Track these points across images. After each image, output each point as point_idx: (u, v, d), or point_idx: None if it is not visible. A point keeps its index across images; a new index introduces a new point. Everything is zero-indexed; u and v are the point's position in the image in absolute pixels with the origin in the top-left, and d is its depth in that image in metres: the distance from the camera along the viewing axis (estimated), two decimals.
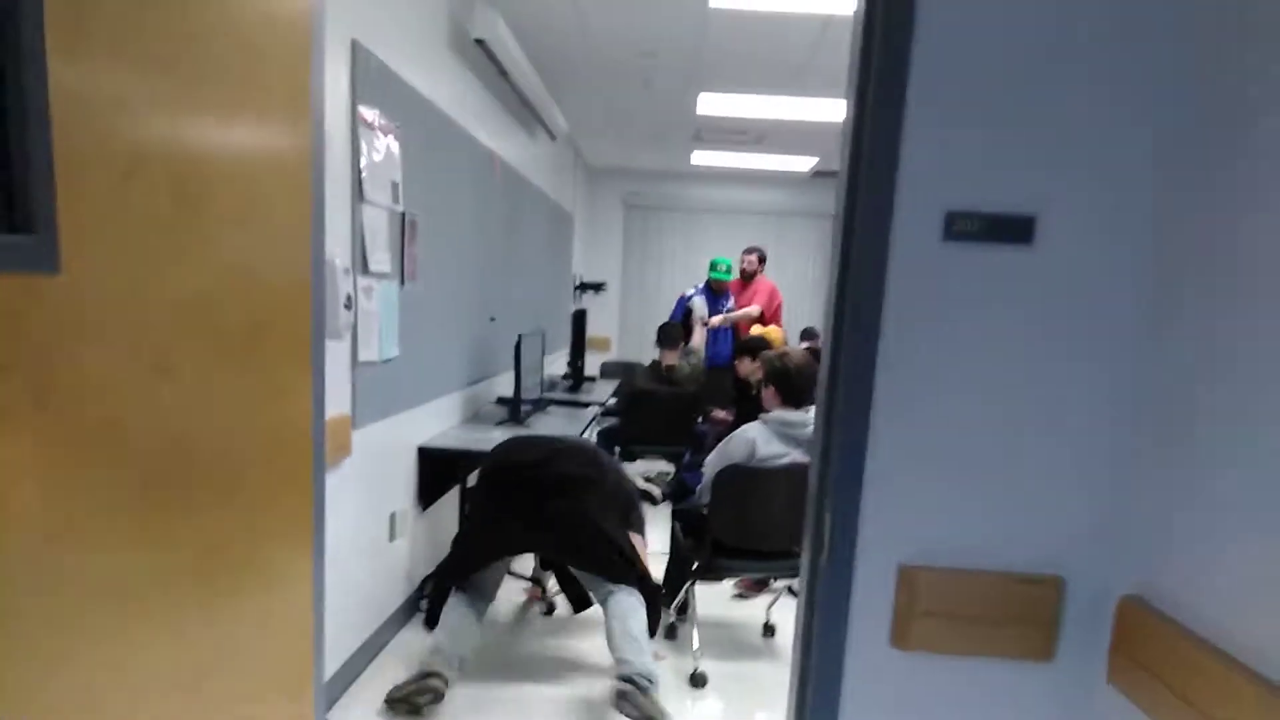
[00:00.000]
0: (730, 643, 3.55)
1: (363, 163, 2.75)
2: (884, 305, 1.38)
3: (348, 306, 2.61)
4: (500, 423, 4.19)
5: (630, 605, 2.83)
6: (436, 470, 3.74)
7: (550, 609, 3.72)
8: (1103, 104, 1.33)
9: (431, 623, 2.93)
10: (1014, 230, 1.36)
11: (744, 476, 3.18)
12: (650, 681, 2.66)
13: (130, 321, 1.08)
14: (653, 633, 2.88)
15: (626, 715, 2.62)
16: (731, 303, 6.44)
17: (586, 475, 2.99)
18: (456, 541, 3.09)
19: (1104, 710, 1.41)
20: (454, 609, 2.87)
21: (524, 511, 2.91)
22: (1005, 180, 1.36)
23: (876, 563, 1.45)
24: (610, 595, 2.87)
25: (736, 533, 3.21)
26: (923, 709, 1.48)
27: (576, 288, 8.08)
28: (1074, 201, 1.36)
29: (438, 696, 2.71)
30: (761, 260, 6.52)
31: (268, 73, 1.37)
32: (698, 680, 3.14)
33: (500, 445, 3.20)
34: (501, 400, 4.67)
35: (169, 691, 1.22)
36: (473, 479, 3.32)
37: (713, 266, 6.51)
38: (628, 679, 2.64)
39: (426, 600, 3.17)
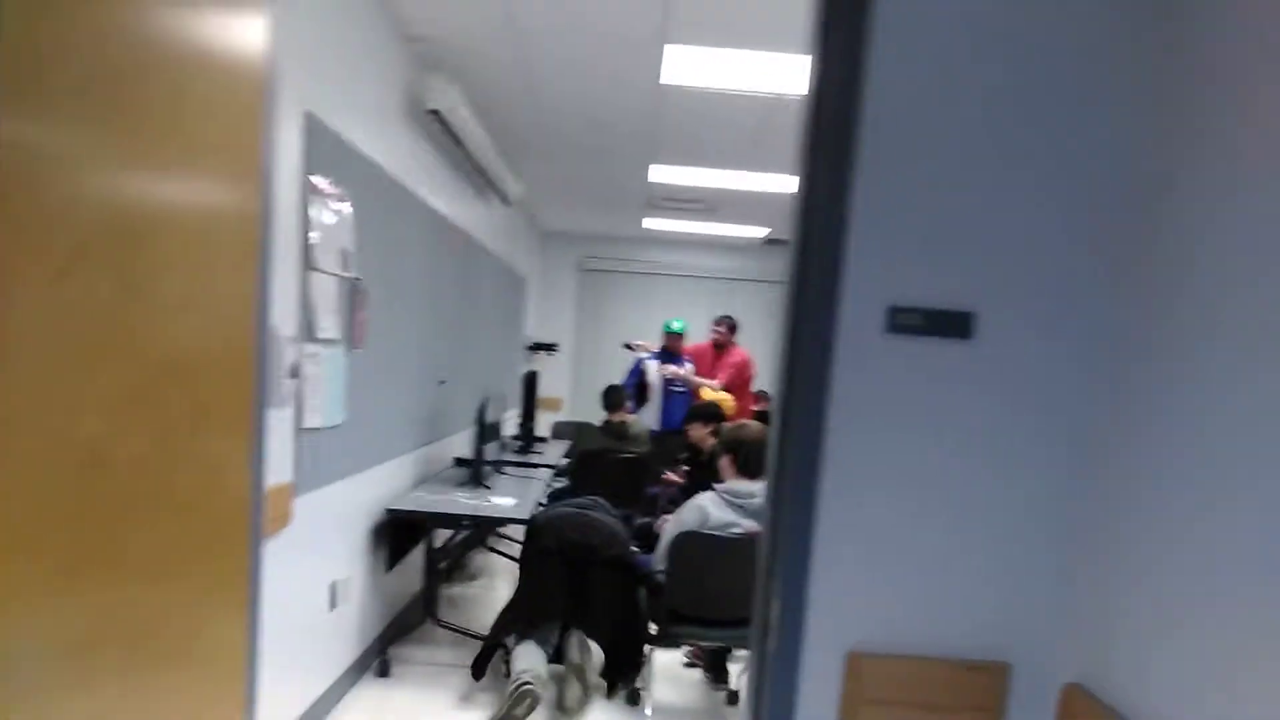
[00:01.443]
0: (682, 710, 3.51)
1: (312, 231, 2.76)
2: (829, 393, 1.41)
3: (293, 375, 2.60)
4: (461, 484, 4.18)
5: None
6: (401, 531, 3.79)
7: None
8: (1042, 205, 1.39)
9: (478, 675, 3.52)
10: (954, 325, 1.41)
11: (699, 543, 3.21)
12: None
13: (62, 416, 1.07)
14: (610, 694, 3.37)
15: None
16: (689, 367, 6.49)
17: (620, 559, 3.51)
18: (519, 600, 3.60)
19: None
20: (526, 650, 3.31)
21: (577, 593, 3.48)
22: (946, 277, 1.40)
23: (824, 649, 1.45)
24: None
25: (692, 600, 3.22)
26: None
27: (529, 348, 8.10)
28: (1011, 299, 1.41)
29: (535, 701, 3.10)
30: (732, 329, 6.41)
31: (217, 139, 1.38)
32: None
33: (555, 517, 3.61)
34: (460, 461, 4.64)
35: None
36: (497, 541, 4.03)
37: (665, 327, 6.59)
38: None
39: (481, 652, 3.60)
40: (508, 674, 3.27)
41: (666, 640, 3.35)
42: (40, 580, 1.07)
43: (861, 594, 1.44)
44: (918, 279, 1.41)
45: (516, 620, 3.51)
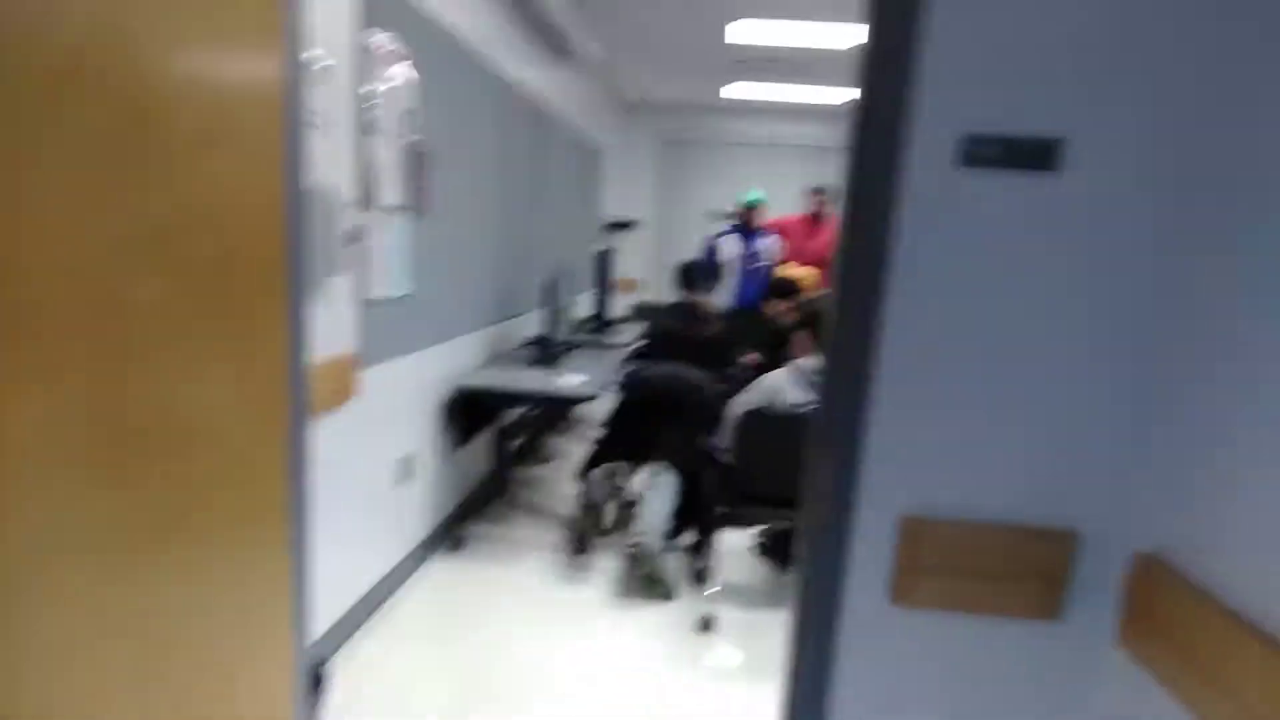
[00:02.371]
0: (746, 593, 3.48)
1: (371, 91, 2.60)
2: (892, 237, 1.24)
3: (352, 241, 2.49)
4: (532, 363, 4.12)
5: (668, 486, 3.53)
6: (471, 409, 3.75)
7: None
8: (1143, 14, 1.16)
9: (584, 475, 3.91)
10: (1038, 155, 1.20)
11: (766, 422, 3.08)
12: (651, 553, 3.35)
13: (68, 251, 0.97)
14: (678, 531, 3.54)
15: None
16: (772, 241, 6.16)
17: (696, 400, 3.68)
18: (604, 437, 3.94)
19: (1112, 675, 1.31)
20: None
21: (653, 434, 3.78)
22: (1031, 99, 1.19)
23: (877, 514, 1.34)
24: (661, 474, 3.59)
25: (757, 480, 3.12)
26: (920, 667, 1.39)
27: (605, 227, 7.90)
28: (1103, 127, 1.19)
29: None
30: (829, 199, 5.97)
31: None
32: (706, 625, 3.09)
33: (641, 377, 3.85)
34: (531, 341, 4.58)
35: (130, 642, 1.16)
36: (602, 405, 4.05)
37: (739, 201, 6.23)
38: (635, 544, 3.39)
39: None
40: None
41: (733, 520, 3.27)
42: (64, 448, 1.00)
43: (920, 454, 1.32)
44: (998, 102, 1.19)
45: (596, 460, 3.90)
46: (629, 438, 3.86)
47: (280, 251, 1.42)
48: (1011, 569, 1.34)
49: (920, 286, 1.26)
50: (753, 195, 6.04)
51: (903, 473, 1.33)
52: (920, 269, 1.25)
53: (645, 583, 3.39)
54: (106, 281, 1.04)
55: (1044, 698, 1.38)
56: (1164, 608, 1.18)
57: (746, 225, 5.99)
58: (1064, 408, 1.29)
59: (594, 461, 3.90)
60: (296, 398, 1.52)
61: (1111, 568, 1.30)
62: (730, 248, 5.97)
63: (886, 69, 1.20)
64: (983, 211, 1.23)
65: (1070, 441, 1.30)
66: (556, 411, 5.56)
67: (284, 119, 1.41)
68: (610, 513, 4.00)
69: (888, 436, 1.32)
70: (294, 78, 1.44)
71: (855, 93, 1.27)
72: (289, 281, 1.45)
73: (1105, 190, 1.21)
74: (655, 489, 3.55)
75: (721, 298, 5.66)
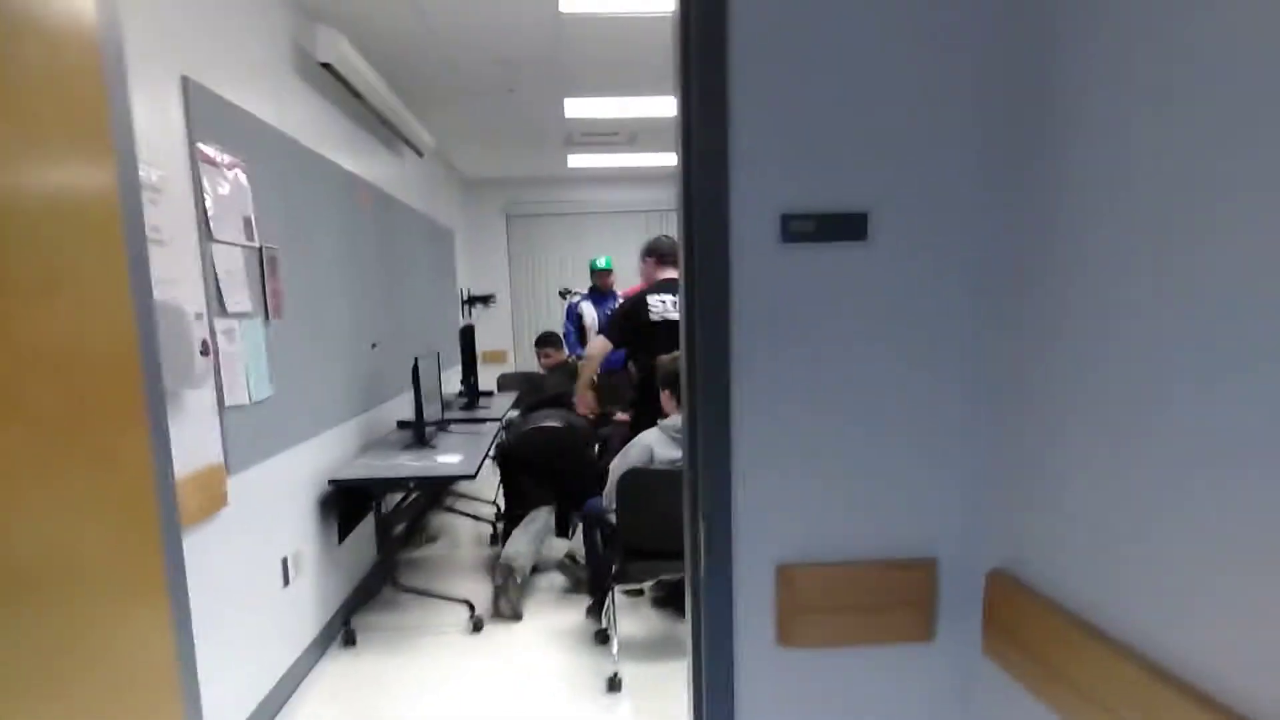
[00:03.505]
0: (647, 648, 3.57)
1: (208, 202, 2.64)
2: (731, 310, 1.39)
3: (204, 353, 2.50)
4: (407, 447, 4.12)
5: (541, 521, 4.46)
6: (350, 500, 3.76)
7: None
8: (931, 97, 1.36)
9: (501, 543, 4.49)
10: (848, 227, 1.38)
11: (644, 479, 3.22)
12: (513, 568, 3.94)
13: None
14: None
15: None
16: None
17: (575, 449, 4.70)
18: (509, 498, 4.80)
19: (981, 682, 1.46)
20: (513, 539, 4.21)
21: (550, 480, 4.69)
22: (837, 178, 1.37)
23: (754, 564, 1.46)
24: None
25: (644, 535, 3.25)
26: (813, 700, 1.51)
27: (465, 302, 7.97)
28: (904, 195, 1.38)
29: (511, 572, 3.89)
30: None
31: (52, 112, 1.27)
32: (614, 684, 3.15)
33: (522, 435, 4.74)
34: (402, 424, 4.57)
35: None
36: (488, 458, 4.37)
37: (591, 266, 6.52)
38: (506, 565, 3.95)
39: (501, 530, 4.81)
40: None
41: (627, 578, 3.38)
42: None
43: (785, 507, 1.45)
44: (808, 183, 1.38)
45: (510, 522, 4.58)
46: (524, 491, 4.65)
47: (136, 375, 1.45)
48: (883, 600, 1.47)
49: (761, 352, 1.40)
50: (604, 262, 6.34)
51: (773, 525, 1.45)
52: (758, 335, 1.39)
53: (511, 599, 3.88)
54: None
55: (925, 708, 1.53)
56: (1015, 617, 1.33)
57: (600, 290, 6.31)
58: (909, 449, 1.44)
59: (509, 526, 4.54)
60: (166, 515, 1.53)
61: (971, 587, 1.46)
62: (590, 313, 6.26)
63: (705, 163, 1.36)
64: (807, 279, 1.39)
65: (919, 479, 1.45)
66: (436, 491, 5.54)
67: (126, 237, 1.44)
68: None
69: (754, 493, 1.44)
70: (132, 193, 1.47)
71: (677, 182, 1.43)
72: (147, 401, 1.48)
73: (912, 249, 1.39)
74: (531, 521, 4.40)
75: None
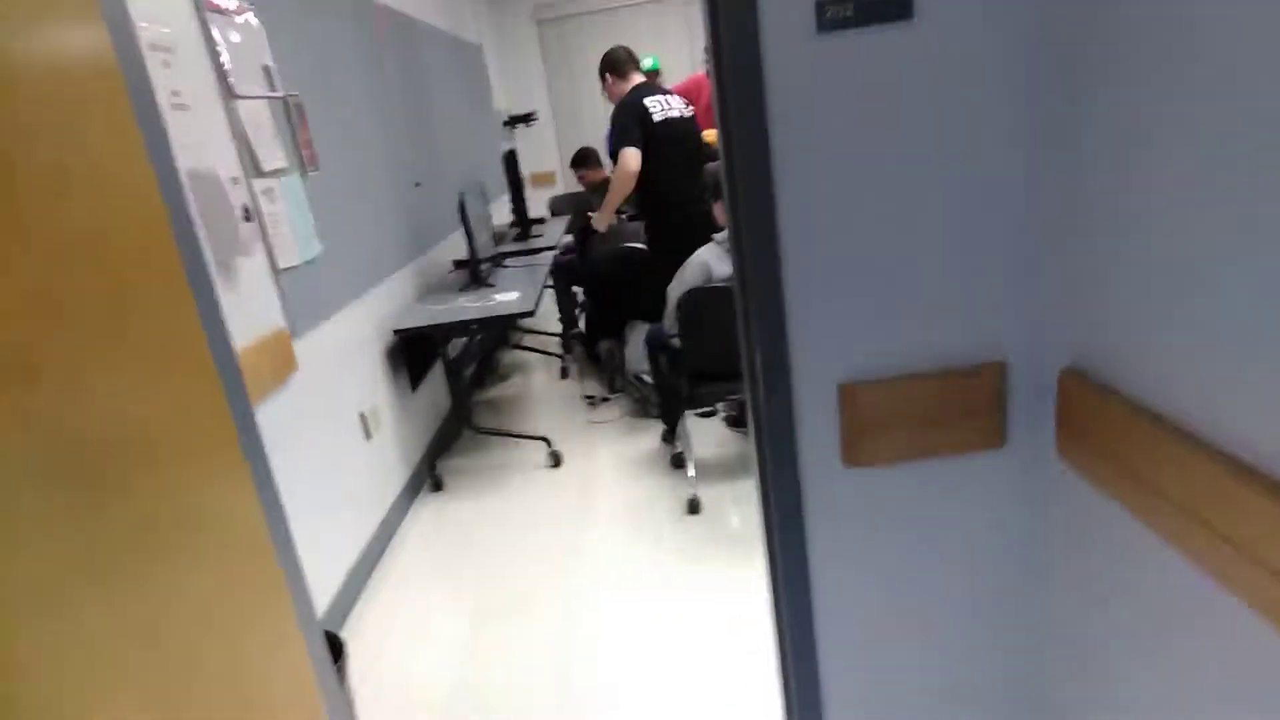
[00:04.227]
0: (723, 468, 3.63)
1: (223, 54, 2.45)
2: (767, 115, 1.25)
3: (248, 218, 2.41)
4: (464, 288, 4.08)
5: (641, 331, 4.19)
6: (415, 349, 3.78)
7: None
8: None
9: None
10: (890, 5, 1.21)
11: (704, 299, 3.13)
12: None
13: None
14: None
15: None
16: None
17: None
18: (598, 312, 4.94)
19: (1055, 485, 1.42)
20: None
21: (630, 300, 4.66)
22: None
23: (815, 385, 1.40)
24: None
25: (708, 357, 3.20)
26: (885, 517, 1.49)
27: (506, 123, 7.64)
28: None
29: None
30: None
31: None
32: (694, 507, 3.23)
33: (612, 254, 4.70)
34: (458, 263, 4.51)
35: (139, 654, 1.19)
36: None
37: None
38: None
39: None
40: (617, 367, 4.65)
41: (696, 402, 3.37)
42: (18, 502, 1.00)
43: (842, 322, 1.37)
44: None
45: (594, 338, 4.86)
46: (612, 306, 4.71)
47: (172, 250, 1.39)
48: (950, 411, 1.41)
49: (803, 158, 1.27)
50: (651, 62, 5.89)
51: (830, 341, 1.37)
52: (799, 136, 1.26)
53: (640, 402, 4.24)
54: (12, 349, 1.02)
55: (998, 519, 1.50)
56: (1090, 416, 1.26)
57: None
58: (968, 247, 1.33)
59: (599, 334, 4.77)
60: (230, 384, 1.52)
61: (1043, 388, 1.38)
62: None
63: None
64: (849, 70, 1.24)
65: (981, 278, 1.35)
66: (501, 329, 5.55)
67: (134, 105, 1.34)
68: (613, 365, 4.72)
69: (809, 308, 1.36)
70: (132, 57, 1.35)
71: None
72: (189, 275, 1.43)
73: (961, 25, 1.22)
74: (634, 333, 4.49)
75: None
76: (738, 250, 1.38)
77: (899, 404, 1.40)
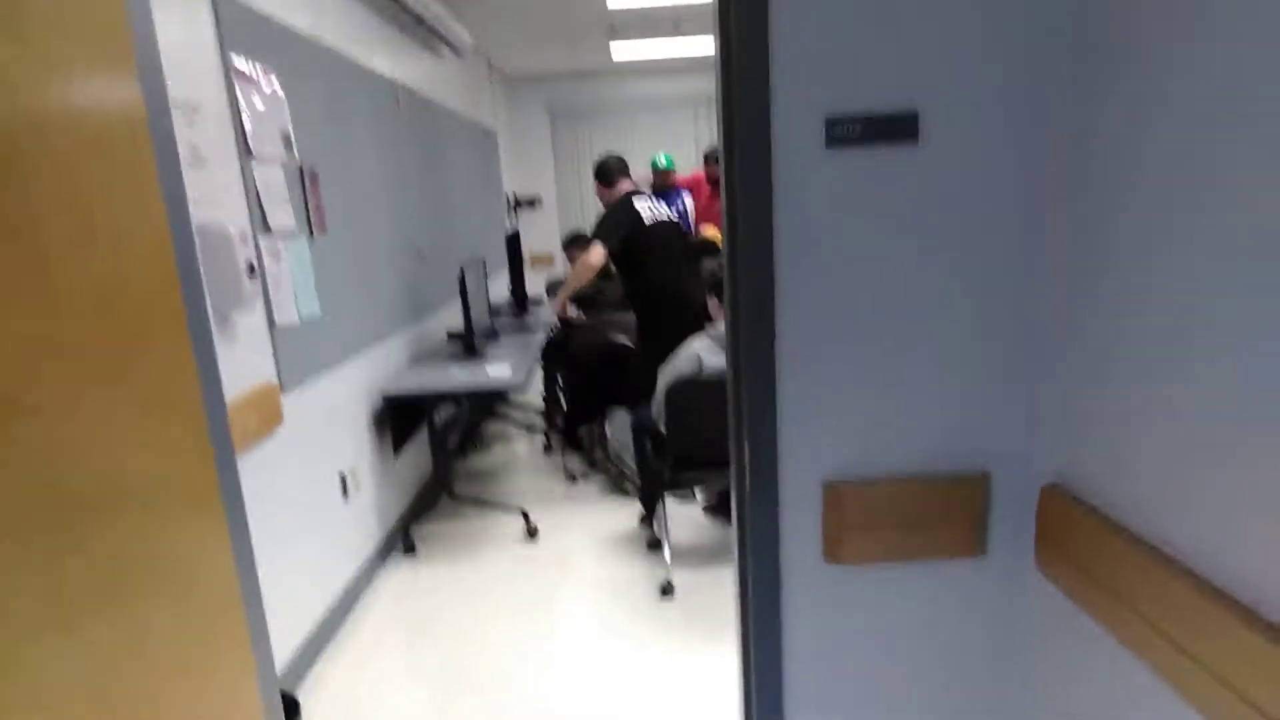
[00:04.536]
0: (698, 554, 3.62)
1: (244, 117, 2.57)
2: (774, 220, 1.32)
3: (251, 273, 2.49)
4: (456, 358, 4.14)
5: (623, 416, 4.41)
6: (402, 414, 3.83)
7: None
8: None
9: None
10: (897, 129, 1.29)
11: (693, 389, 3.19)
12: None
13: None
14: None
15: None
16: (687, 201, 6.28)
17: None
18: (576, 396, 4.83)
19: (1032, 598, 1.44)
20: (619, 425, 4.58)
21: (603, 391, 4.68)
22: (885, 74, 1.28)
23: (800, 482, 1.43)
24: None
25: (693, 445, 3.24)
26: (862, 616, 1.51)
27: (511, 205, 7.87)
28: (960, 93, 1.29)
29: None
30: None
31: (71, 34, 1.21)
32: (667, 590, 3.21)
33: (591, 346, 4.66)
34: (452, 335, 4.59)
35: (77, 694, 1.19)
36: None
37: (653, 166, 6.32)
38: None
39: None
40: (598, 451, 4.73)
41: (676, 486, 3.40)
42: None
43: (831, 423, 1.41)
44: (855, 81, 1.28)
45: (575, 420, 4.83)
46: (593, 392, 4.68)
47: (178, 301, 1.44)
48: (933, 516, 1.44)
49: (806, 264, 1.34)
50: (664, 160, 6.13)
51: (819, 441, 1.41)
52: (804, 244, 1.33)
53: (618, 479, 4.35)
54: (6, 390, 1.06)
55: (974, 626, 1.51)
56: (1069, 532, 1.29)
57: (663, 188, 6.10)
58: (960, 359, 1.38)
59: (578, 420, 4.79)
60: (217, 434, 1.55)
61: (1024, 501, 1.42)
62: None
63: (745, 62, 1.27)
64: (855, 185, 1.31)
65: (971, 390, 1.40)
66: (487, 401, 5.60)
67: (158, 161, 1.40)
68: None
69: (800, 407, 1.40)
70: (159, 107, 1.42)
71: (716, 81, 1.34)
72: (190, 326, 1.48)
73: (965, 152, 1.30)
74: (616, 416, 4.63)
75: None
76: (734, 346, 1.43)
77: (882, 506, 1.43)
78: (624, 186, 4.40)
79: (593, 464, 4.63)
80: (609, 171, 4.46)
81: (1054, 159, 1.29)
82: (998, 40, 1.27)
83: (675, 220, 4.44)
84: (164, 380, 1.42)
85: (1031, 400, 1.40)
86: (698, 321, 3.60)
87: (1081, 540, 1.26)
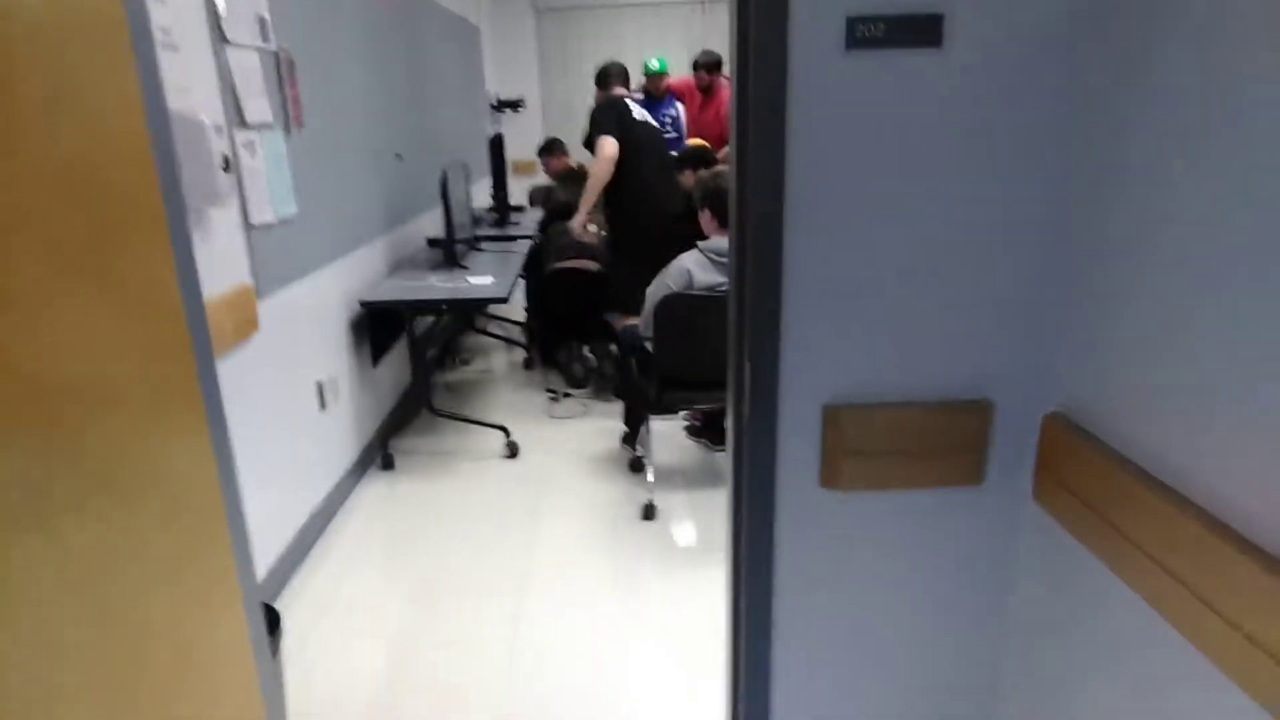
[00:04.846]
0: (681, 476, 3.60)
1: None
2: (787, 126, 1.24)
3: (226, 168, 2.33)
4: (437, 266, 4.01)
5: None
6: (381, 323, 3.72)
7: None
8: None
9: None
10: (921, 31, 1.21)
11: (684, 305, 3.10)
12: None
13: None
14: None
15: None
16: (679, 107, 6.02)
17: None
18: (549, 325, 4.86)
19: (1029, 528, 1.43)
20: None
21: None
22: None
23: (799, 405, 1.40)
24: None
25: (681, 364, 3.17)
26: (855, 544, 1.49)
27: (494, 107, 7.56)
28: None
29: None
30: (715, 68, 5.91)
31: None
32: (649, 512, 3.20)
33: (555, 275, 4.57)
34: (432, 242, 4.43)
35: (68, 607, 1.13)
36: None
37: (645, 69, 6.04)
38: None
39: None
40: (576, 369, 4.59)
41: (662, 407, 3.34)
42: None
43: (834, 344, 1.37)
44: None
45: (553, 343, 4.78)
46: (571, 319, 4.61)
47: (155, 192, 1.33)
48: (933, 443, 1.41)
49: (818, 175, 1.26)
50: (657, 63, 5.85)
51: (821, 363, 1.37)
52: (817, 154, 1.25)
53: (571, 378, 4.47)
54: None
55: (969, 554, 1.50)
56: (1069, 463, 1.28)
57: (653, 93, 5.83)
58: (972, 282, 1.33)
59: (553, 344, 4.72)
60: (197, 336, 1.46)
61: (1026, 430, 1.39)
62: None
63: None
64: (873, 90, 1.23)
65: (979, 316, 1.35)
66: (468, 313, 5.47)
67: (134, 40, 1.28)
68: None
69: (803, 328, 1.35)
70: None
71: None
72: (169, 219, 1.37)
73: (991, 59, 1.22)
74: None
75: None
76: (739, 262, 1.36)
77: (881, 431, 1.40)
78: (617, 90, 4.34)
79: (575, 383, 4.56)
80: (606, 76, 4.42)
81: (1078, 70, 1.21)
82: None
83: (658, 127, 4.42)
84: (142, 276, 1.32)
85: (1041, 325, 1.36)
86: (673, 230, 3.53)
87: (1082, 471, 1.25)
